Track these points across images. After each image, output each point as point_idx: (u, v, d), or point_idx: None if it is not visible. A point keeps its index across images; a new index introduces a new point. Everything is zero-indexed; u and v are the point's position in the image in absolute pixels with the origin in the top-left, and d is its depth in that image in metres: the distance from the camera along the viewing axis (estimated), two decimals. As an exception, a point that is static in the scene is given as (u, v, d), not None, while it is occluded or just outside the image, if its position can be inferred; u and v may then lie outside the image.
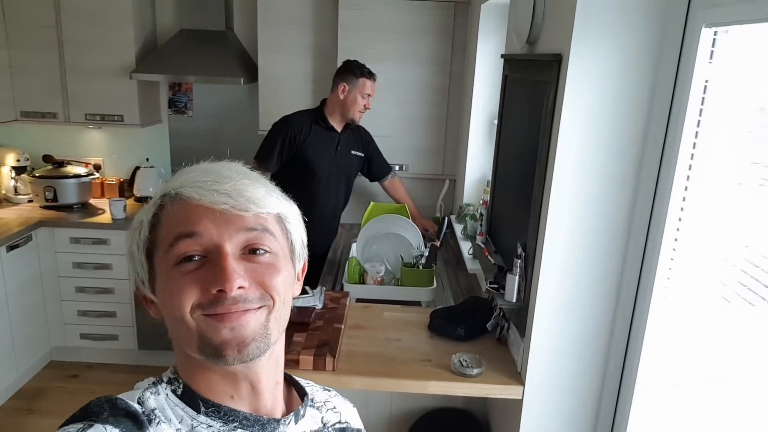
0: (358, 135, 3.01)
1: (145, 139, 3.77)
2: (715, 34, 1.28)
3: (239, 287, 0.63)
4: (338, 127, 2.86)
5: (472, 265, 2.51)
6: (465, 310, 1.98)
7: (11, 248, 3.05)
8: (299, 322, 1.86)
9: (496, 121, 2.86)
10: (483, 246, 2.10)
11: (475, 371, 1.68)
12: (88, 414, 0.62)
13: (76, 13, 3.29)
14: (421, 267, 2.39)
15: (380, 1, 3.16)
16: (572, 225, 1.53)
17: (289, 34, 3.30)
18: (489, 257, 1.99)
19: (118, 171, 3.83)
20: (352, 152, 2.96)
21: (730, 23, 1.23)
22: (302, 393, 0.79)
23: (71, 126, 3.56)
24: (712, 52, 1.29)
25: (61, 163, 3.54)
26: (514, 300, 1.67)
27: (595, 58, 1.42)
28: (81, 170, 3.54)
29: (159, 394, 0.67)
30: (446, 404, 2.09)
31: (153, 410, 0.65)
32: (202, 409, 0.67)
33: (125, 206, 3.37)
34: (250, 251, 0.66)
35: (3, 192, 3.57)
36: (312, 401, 0.80)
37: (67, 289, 3.38)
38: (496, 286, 1.77)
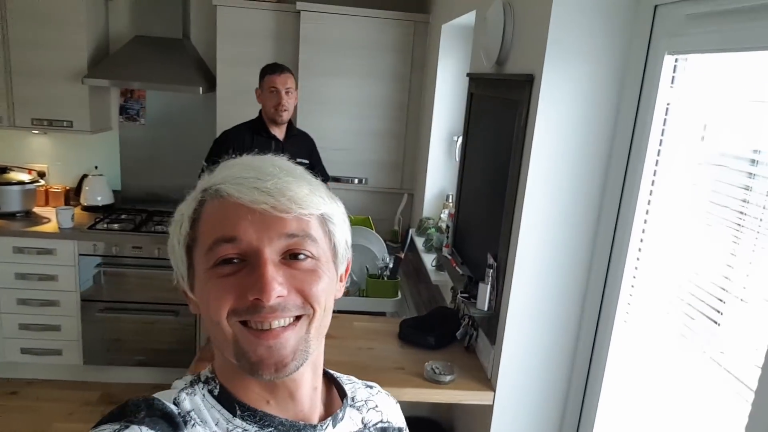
0: (302, 142, 2.91)
1: (94, 146, 3.64)
2: (676, 61, 1.39)
3: (278, 296, 0.60)
4: (279, 135, 2.75)
5: (436, 277, 2.57)
6: (433, 319, 2.03)
7: (-52, 258, 2.88)
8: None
9: (456, 138, 2.97)
10: (450, 257, 2.17)
11: (448, 378, 1.73)
12: (125, 413, 0.62)
13: (24, 12, 3.16)
14: (386, 278, 2.43)
15: (342, 17, 3.21)
16: (542, 237, 1.61)
17: (249, 45, 3.30)
18: (456, 268, 2.05)
19: (64, 179, 3.68)
20: (297, 160, 2.96)
21: (690, 52, 1.35)
22: (343, 393, 0.77)
23: (15, 130, 3.40)
24: (673, 77, 1.40)
25: (4, 169, 3.37)
26: (486, 308, 1.73)
27: (565, 79, 1.52)
28: (25, 177, 3.39)
29: (195, 395, 0.67)
30: (411, 413, 2.13)
31: (189, 412, 0.65)
32: (238, 412, 0.66)
33: (73, 215, 3.24)
34: (291, 256, 0.63)
35: (-64, 198, 3.35)
36: (353, 401, 0.78)
37: (8, 301, 3.20)
38: (467, 295, 1.83)
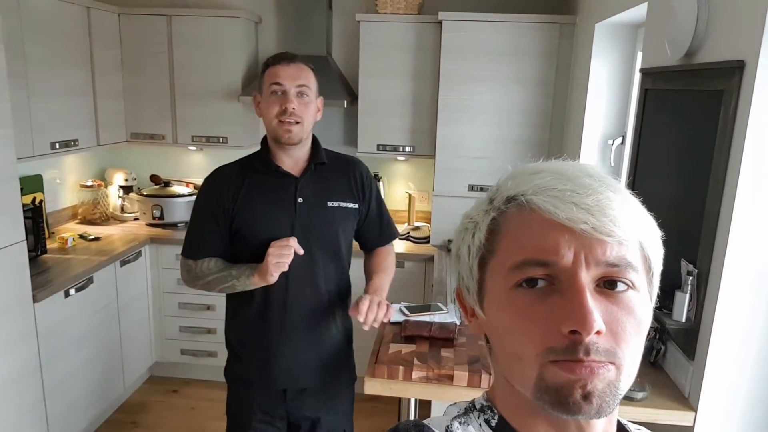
0: (338, 174, 1.78)
1: (244, 161, 3.86)
2: None
3: (596, 332, 0.52)
4: (292, 167, 1.71)
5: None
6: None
7: (124, 263, 3.15)
8: (443, 338, 1.82)
9: (612, 141, 2.81)
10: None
11: (640, 395, 1.60)
12: None
13: (187, 40, 3.43)
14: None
15: (484, 24, 3.17)
16: (757, 241, 1.45)
17: (390, 57, 3.34)
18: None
19: (217, 191, 3.92)
20: (330, 203, 1.73)
21: None
22: None
23: (175, 147, 3.69)
24: None
25: (167, 183, 3.66)
26: (683, 319, 1.58)
27: (786, 64, 1.36)
28: (184, 190, 3.65)
29: (469, 424, 0.62)
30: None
31: None
32: None
33: (228, 225, 3.43)
34: (606, 283, 0.54)
35: (111, 210, 3.71)
36: None
37: (171, 305, 3.45)
38: (657, 305, 1.68)
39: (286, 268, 1.62)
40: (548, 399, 0.54)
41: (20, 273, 2.41)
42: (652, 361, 1.78)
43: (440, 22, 3.21)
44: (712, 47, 1.60)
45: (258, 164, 1.72)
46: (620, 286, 0.54)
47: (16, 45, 2.64)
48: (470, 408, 0.64)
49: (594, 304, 0.52)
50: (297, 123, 1.63)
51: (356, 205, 1.77)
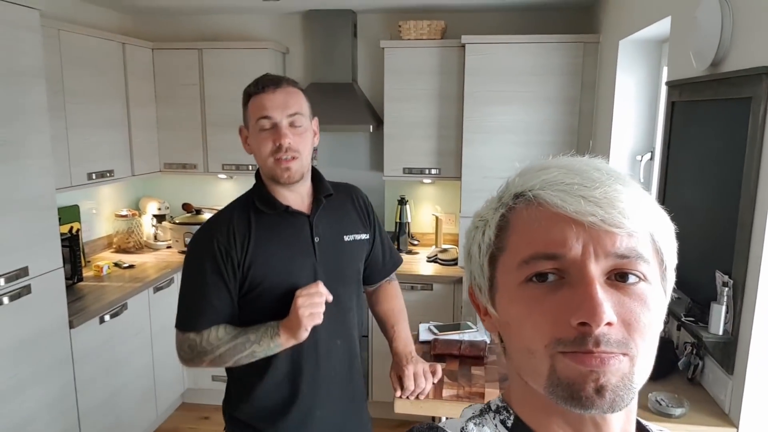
0: (347, 200, 1.62)
1: (272, 188, 3.92)
2: None
3: (606, 323, 0.51)
4: (300, 205, 1.50)
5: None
6: (645, 347, 1.85)
7: (157, 290, 3.21)
8: (473, 356, 1.80)
9: (640, 157, 2.78)
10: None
11: (678, 411, 1.54)
12: None
13: (217, 72, 3.54)
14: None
15: (507, 46, 3.20)
16: (792, 248, 1.41)
17: (414, 81, 3.39)
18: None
19: (246, 218, 3.99)
20: (347, 238, 1.57)
21: None
22: None
23: (206, 176, 3.78)
24: None
25: (199, 211, 3.74)
26: (721, 332, 1.54)
27: (814, 68, 1.34)
28: (215, 217, 3.72)
29: (484, 426, 0.61)
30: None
31: None
32: None
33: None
34: (617, 276, 0.53)
35: (144, 239, 3.79)
36: None
37: (202, 332, 3.48)
38: (692, 319, 1.64)
39: (321, 320, 1.38)
40: (561, 393, 0.53)
41: (58, 299, 2.48)
42: (690, 377, 1.73)
43: (463, 46, 3.25)
44: (737, 55, 1.58)
45: (261, 205, 1.45)
46: (631, 279, 0.53)
47: (56, 80, 2.76)
48: (486, 409, 0.63)
49: (604, 296, 0.51)
50: (294, 158, 1.40)
51: (367, 236, 1.61)
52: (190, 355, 1.43)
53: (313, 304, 1.37)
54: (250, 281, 1.42)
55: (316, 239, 1.48)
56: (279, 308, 1.40)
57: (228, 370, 1.51)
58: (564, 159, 0.60)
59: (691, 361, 1.72)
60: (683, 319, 1.66)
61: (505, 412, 0.61)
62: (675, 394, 1.60)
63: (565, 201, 0.54)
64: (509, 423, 0.60)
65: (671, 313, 1.86)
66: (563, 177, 0.56)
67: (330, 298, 1.41)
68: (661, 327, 0.57)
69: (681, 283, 1.85)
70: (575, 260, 0.53)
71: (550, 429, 0.58)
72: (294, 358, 1.45)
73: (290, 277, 1.43)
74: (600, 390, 0.51)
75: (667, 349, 1.82)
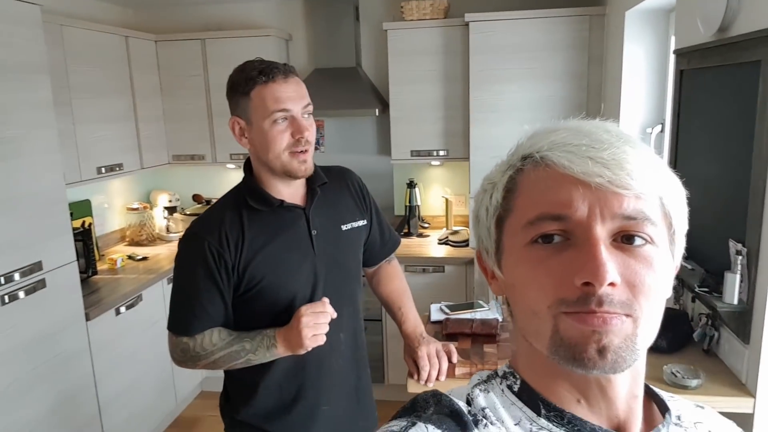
0: (341, 185, 1.55)
1: (281, 176, 3.93)
2: None
3: (610, 284, 0.51)
4: (294, 198, 1.43)
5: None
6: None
7: (171, 281, 3.23)
8: (485, 333, 1.79)
9: (651, 129, 2.74)
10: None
11: (695, 383, 1.53)
12: (415, 408, 0.59)
13: (221, 61, 3.53)
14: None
15: (511, 23, 3.15)
16: (807, 213, 1.38)
17: (419, 63, 3.36)
18: (683, 264, 1.85)
19: (257, 207, 4.00)
20: (345, 227, 1.51)
21: None
22: (664, 409, 0.64)
23: (214, 166, 3.78)
24: None
25: (209, 202, 3.75)
26: (736, 302, 1.52)
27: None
28: (225, 207, 3.73)
29: (489, 392, 0.61)
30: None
31: (482, 409, 0.58)
32: (543, 411, 0.58)
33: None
34: (624, 238, 0.53)
35: (157, 231, 3.82)
36: (679, 419, 0.65)
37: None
38: (706, 289, 1.62)
39: (324, 340, 1.33)
40: (563, 354, 0.53)
41: (73, 292, 2.51)
42: (706, 349, 1.71)
43: (467, 24, 3.21)
44: (745, 18, 1.55)
45: (254, 202, 1.37)
46: (638, 241, 0.53)
47: (61, 75, 2.77)
48: (493, 375, 0.63)
49: (608, 256, 0.51)
50: (309, 151, 1.36)
51: (365, 221, 1.55)
52: (183, 358, 1.39)
53: (318, 325, 1.30)
54: (247, 281, 1.36)
55: (314, 232, 1.42)
56: (277, 308, 1.37)
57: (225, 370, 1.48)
58: (573, 121, 0.59)
59: (706, 332, 1.71)
60: (697, 289, 1.64)
61: (511, 377, 0.61)
62: (691, 366, 1.59)
63: (572, 162, 0.53)
64: (516, 387, 0.60)
65: (685, 284, 1.84)
66: (571, 138, 0.55)
67: (335, 315, 1.34)
68: (669, 292, 0.56)
69: (694, 254, 1.83)
70: (581, 221, 0.52)
71: (557, 392, 0.58)
72: (296, 355, 1.39)
73: (288, 275, 1.38)
74: (602, 351, 0.51)
75: (681, 321, 1.80)
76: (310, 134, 1.35)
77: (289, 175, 1.36)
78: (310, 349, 1.31)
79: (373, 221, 1.59)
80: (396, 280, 1.68)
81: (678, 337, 1.74)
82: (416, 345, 1.55)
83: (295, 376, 1.44)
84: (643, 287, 0.52)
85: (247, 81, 1.32)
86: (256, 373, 1.41)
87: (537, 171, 0.56)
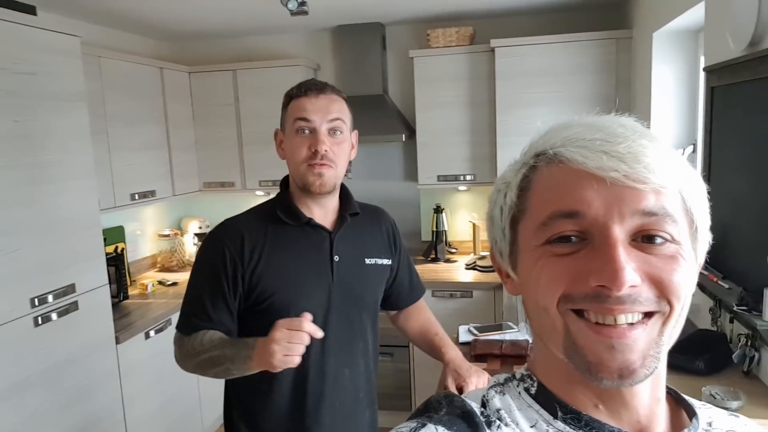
0: (374, 222, 1.55)
1: (309, 202, 3.96)
2: None
3: (631, 286, 0.49)
4: (323, 219, 1.42)
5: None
6: (697, 343, 1.77)
7: (199, 306, 3.26)
8: (516, 355, 1.76)
9: (683, 149, 2.69)
10: (705, 273, 1.90)
11: (735, 404, 1.47)
12: (428, 409, 0.58)
13: (252, 91, 3.62)
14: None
15: (537, 47, 3.17)
16: None
17: (445, 89, 3.39)
18: (719, 283, 1.79)
19: (285, 234, 4.03)
20: (369, 261, 1.49)
21: None
22: (692, 413, 0.62)
23: (244, 193, 3.84)
24: None
25: (238, 227, 3.80)
26: (776, 320, 1.46)
27: None
28: (254, 233, 3.77)
29: (505, 394, 0.59)
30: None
31: (497, 410, 0.57)
32: (560, 414, 0.56)
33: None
34: (644, 238, 0.51)
35: (187, 257, 3.87)
36: (709, 426, 0.62)
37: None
38: (745, 308, 1.57)
39: (296, 363, 1.18)
40: (578, 361, 0.52)
41: (104, 315, 2.55)
42: (746, 370, 1.64)
43: (493, 50, 3.24)
44: (777, 31, 1.52)
45: (283, 214, 1.37)
46: (659, 240, 0.50)
47: (98, 104, 2.87)
48: (510, 378, 0.61)
49: (627, 259, 0.49)
50: (329, 167, 1.33)
51: (389, 261, 1.51)
52: (178, 356, 1.38)
53: (290, 346, 1.15)
54: (258, 293, 1.34)
55: (336, 258, 1.39)
56: (280, 313, 1.30)
57: (226, 391, 1.47)
58: (588, 117, 0.57)
59: (746, 353, 1.64)
60: (735, 308, 1.58)
61: (528, 380, 0.59)
62: (731, 387, 1.52)
63: (586, 157, 0.51)
64: (533, 390, 0.58)
65: (723, 304, 1.78)
66: (585, 133, 0.53)
67: (320, 334, 1.20)
68: (692, 290, 0.54)
69: (730, 273, 1.78)
70: (596, 220, 0.50)
71: (574, 396, 0.56)
72: (298, 383, 1.36)
73: (300, 295, 1.35)
74: (622, 373, 0.50)
75: (720, 342, 1.74)
76: (331, 150, 1.33)
77: (306, 188, 1.34)
78: (279, 369, 1.18)
79: (402, 263, 1.57)
80: (427, 312, 1.64)
81: (716, 358, 1.68)
82: (466, 374, 1.42)
83: (294, 404, 1.39)
84: (669, 284, 0.50)
85: (288, 96, 1.39)
86: (257, 399, 1.39)
87: (551, 168, 0.54)
